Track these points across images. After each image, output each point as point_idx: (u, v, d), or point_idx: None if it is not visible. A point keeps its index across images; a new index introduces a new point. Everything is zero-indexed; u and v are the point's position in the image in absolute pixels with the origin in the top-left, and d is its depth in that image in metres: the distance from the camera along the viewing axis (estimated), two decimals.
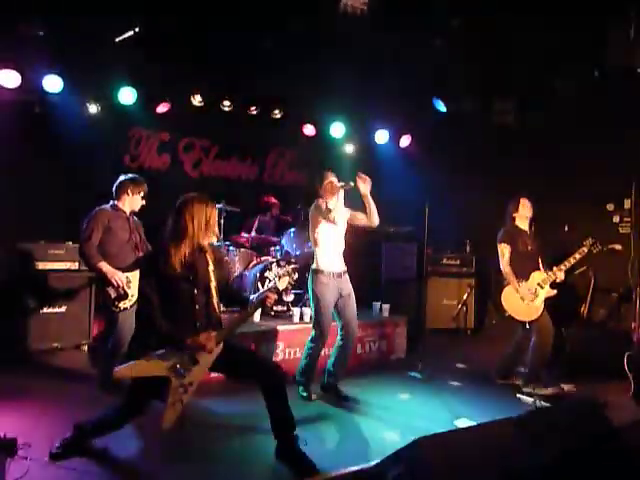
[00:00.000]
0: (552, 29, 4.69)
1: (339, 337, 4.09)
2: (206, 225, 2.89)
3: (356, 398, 4.05)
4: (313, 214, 4.06)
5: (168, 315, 2.78)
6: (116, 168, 5.32)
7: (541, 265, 4.53)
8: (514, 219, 4.60)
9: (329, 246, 4.01)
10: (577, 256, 4.35)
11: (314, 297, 3.98)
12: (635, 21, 3.82)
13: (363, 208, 4.00)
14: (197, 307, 2.87)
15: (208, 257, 2.94)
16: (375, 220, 4.01)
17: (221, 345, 2.88)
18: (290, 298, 5.37)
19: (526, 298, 4.34)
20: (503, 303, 4.42)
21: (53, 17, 4.79)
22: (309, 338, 4.09)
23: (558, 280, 4.40)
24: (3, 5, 4.44)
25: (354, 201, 4.11)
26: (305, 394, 4.05)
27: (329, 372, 4.10)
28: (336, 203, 3.96)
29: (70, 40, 4.98)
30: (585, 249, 4.35)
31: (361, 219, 4.07)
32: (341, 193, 3.97)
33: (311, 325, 4.09)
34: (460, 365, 5.27)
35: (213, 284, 2.93)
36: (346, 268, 4.10)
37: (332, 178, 4.01)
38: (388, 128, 7.18)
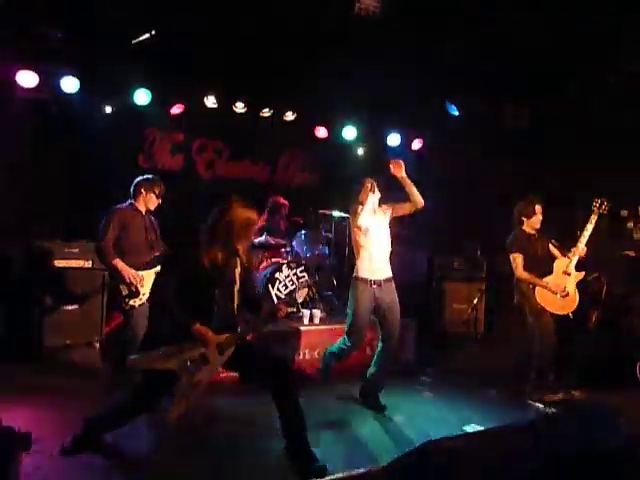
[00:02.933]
0: (567, 31, 4.68)
1: (379, 347, 4.02)
2: (244, 229, 2.93)
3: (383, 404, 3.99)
4: (351, 221, 4.07)
5: (189, 310, 2.80)
6: (130, 168, 5.40)
7: (558, 253, 4.43)
8: (523, 223, 4.50)
9: (366, 253, 3.93)
10: (589, 226, 4.22)
11: (350, 303, 3.97)
12: None
13: (404, 195, 3.96)
14: (216, 308, 2.90)
15: (238, 260, 2.98)
16: (419, 200, 3.96)
17: (233, 347, 2.90)
18: (300, 300, 5.39)
19: (558, 291, 4.27)
20: (542, 305, 4.29)
21: (71, 19, 4.86)
22: (344, 337, 4.02)
23: (582, 255, 4.27)
24: (23, 8, 4.53)
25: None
26: (323, 374, 4.14)
27: (368, 380, 4.04)
28: (368, 208, 3.88)
29: (87, 42, 5.07)
30: (594, 216, 4.21)
31: (405, 206, 4.01)
32: (372, 198, 3.92)
33: (345, 327, 4.02)
34: (469, 369, 5.25)
35: (237, 287, 2.97)
36: (391, 275, 4.00)
37: (368, 183, 3.95)
38: (400, 131, 7.18)
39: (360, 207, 3.90)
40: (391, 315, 3.94)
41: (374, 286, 3.88)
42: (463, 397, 4.38)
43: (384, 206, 4.05)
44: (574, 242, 4.28)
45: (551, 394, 4.25)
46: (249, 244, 3.08)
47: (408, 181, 3.93)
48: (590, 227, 4.22)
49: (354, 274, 3.98)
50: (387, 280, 3.95)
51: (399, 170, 3.91)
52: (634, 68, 4.07)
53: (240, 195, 5.78)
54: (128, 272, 3.79)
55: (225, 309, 2.93)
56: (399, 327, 4.01)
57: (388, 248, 4.01)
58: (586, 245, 4.25)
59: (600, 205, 4.21)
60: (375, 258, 3.93)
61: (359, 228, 3.90)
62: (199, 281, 2.85)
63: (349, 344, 3.99)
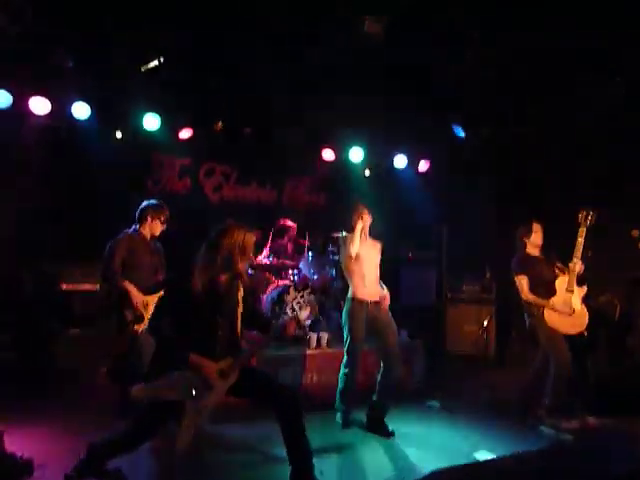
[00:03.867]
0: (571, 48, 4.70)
1: (380, 369, 4.04)
2: (242, 251, 2.92)
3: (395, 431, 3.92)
4: (341, 248, 4.18)
5: (189, 337, 2.79)
6: (139, 192, 5.45)
7: (560, 272, 4.36)
8: (525, 244, 4.47)
9: (359, 277, 4.03)
10: (580, 239, 4.16)
11: (346, 324, 4.03)
12: None
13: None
14: (220, 332, 2.88)
15: (240, 283, 2.97)
16: None
17: (237, 372, 2.88)
18: (308, 322, 5.35)
19: (565, 310, 4.20)
20: (552, 326, 4.22)
21: (82, 49, 4.99)
22: (342, 363, 4.09)
23: (580, 271, 4.22)
24: (36, 38, 4.66)
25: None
26: (341, 421, 4.05)
27: (372, 404, 4.03)
28: (355, 235, 3.96)
29: (98, 70, 5.18)
30: (583, 228, 4.15)
31: None
32: (360, 226, 3.98)
33: (344, 350, 4.08)
34: (480, 394, 5.14)
35: (239, 310, 2.96)
36: (385, 294, 4.06)
37: (359, 209, 4.05)
38: (406, 153, 7.21)
39: (351, 235, 4.01)
40: (389, 333, 3.97)
41: (370, 306, 3.97)
42: (473, 422, 4.28)
43: (377, 242, 4.18)
44: (570, 258, 4.24)
45: (566, 420, 4.14)
46: (249, 264, 3.07)
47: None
48: (581, 240, 4.17)
49: (349, 295, 4.05)
50: (382, 299, 4.04)
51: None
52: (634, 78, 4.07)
53: (246, 218, 5.84)
54: (136, 295, 3.80)
55: (230, 332, 2.92)
56: (399, 348, 4.02)
57: (377, 271, 4.11)
58: (581, 259, 4.20)
59: (586, 217, 4.17)
60: (368, 280, 4.03)
61: (350, 257, 3.97)
62: (201, 308, 2.84)
63: (348, 369, 4.01)
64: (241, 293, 2.95)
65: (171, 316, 2.81)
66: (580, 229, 4.17)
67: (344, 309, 4.08)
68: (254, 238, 3.01)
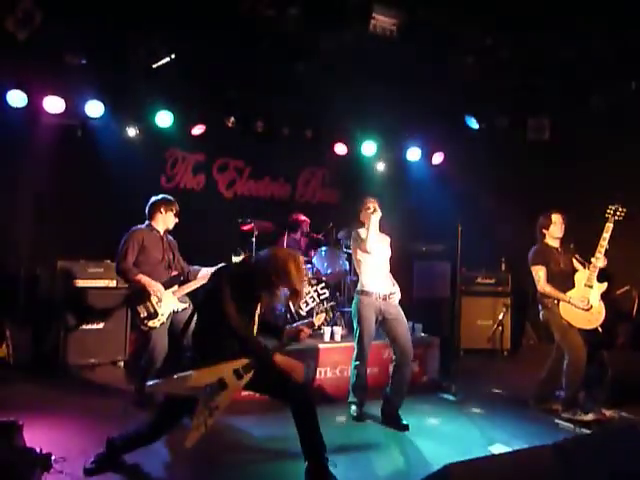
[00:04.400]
0: (587, 44, 4.62)
1: (393, 362, 4.07)
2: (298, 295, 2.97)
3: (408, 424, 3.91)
4: (352, 244, 4.20)
5: (212, 334, 2.84)
6: (153, 188, 5.49)
7: (581, 267, 4.30)
8: (544, 236, 4.40)
9: (370, 270, 4.07)
10: (606, 235, 4.06)
11: (356, 316, 4.07)
12: None
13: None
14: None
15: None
16: None
17: (251, 373, 2.90)
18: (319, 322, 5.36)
19: (582, 305, 4.14)
20: (568, 320, 4.16)
21: (95, 47, 5.03)
22: (353, 356, 4.13)
23: (602, 266, 4.13)
24: (51, 38, 4.71)
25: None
26: (355, 414, 4.06)
27: (385, 398, 4.06)
28: (370, 230, 3.96)
29: (111, 68, 5.22)
30: (610, 224, 4.06)
31: None
32: (373, 218, 3.98)
33: (354, 343, 4.13)
34: (495, 388, 5.11)
35: (258, 312, 3.00)
36: (394, 290, 4.10)
37: (369, 204, 4.04)
38: (420, 145, 7.16)
39: (364, 230, 4.03)
40: (399, 326, 4.00)
41: (379, 299, 3.99)
42: (489, 416, 4.26)
43: (386, 236, 4.21)
44: (593, 253, 4.16)
45: (582, 414, 4.11)
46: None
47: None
48: (607, 235, 4.07)
49: (358, 288, 4.10)
50: (391, 294, 4.07)
51: None
52: None
53: (259, 212, 5.82)
54: (152, 285, 3.84)
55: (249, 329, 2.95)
56: (410, 342, 4.03)
57: (387, 265, 4.14)
58: (605, 255, 4.12)
59: (615, 211, 4.07)
60: (378, 274, 4.06)
61: (366, 251, 3.98)
62: (228, 303, 2.85)
63: (358, 362, 4.06)
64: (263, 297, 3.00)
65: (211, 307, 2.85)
66: (607, 224, 4.08)
67: (353, 302, 4.12)
68: (297, 270, 2.94)
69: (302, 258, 3.05)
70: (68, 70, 5.22)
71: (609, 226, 4.08)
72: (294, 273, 2.88)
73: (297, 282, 2.91)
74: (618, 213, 4.07)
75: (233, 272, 3.01)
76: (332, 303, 5.55)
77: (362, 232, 4.09)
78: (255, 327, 2.99)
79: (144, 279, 3.85)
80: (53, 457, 2.63)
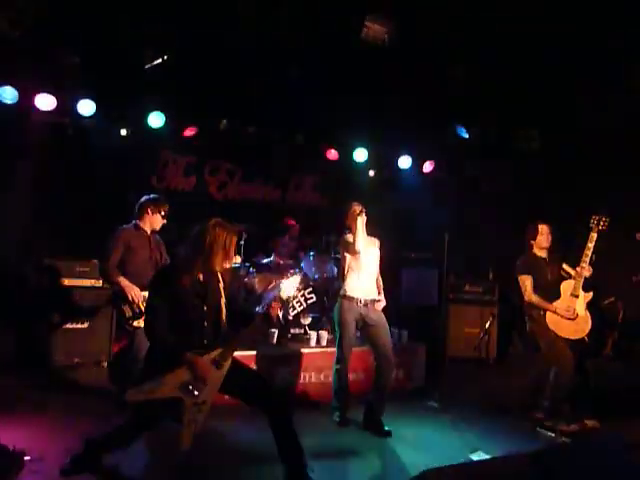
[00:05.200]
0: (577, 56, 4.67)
1: (375, 369, 4.08)
2: (223, 252, 2.92)
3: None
4: (340, 249, 4.24)
5: (177, 331, 2.82)
6: (143, 189, 5.47)
7: (570, 273, 4.30)
8: (532, 246, 4.46)
9: (356, 275, 4.09)
10: (590, 245, 4.09)
11: (337, 320, 4.10)
12: None
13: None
14: (206, 324, 2.91)
15: (219, 275, 3.00)
16: None
17: (229, 362, 2.89)
18: (307, 321, 5.36)
19: (568, 315, 4.17)
20: (555, 330, 4.19)
21: (88, 46, 5.02)
22: (334, 360, 4.15)
23: (587, 275, 4.16)
24: (44, 35, 4.71)
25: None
26: (338, 419, 4.06)
27: (368, 403, 4.07)
28: (358, 230, 3.99)
29: (104, 67, 5.21)
30: (594, 233, 4.09)
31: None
32: (360, 222, 4.00)
33: (336, 346, 4.15)
34: (480, 395, 5.12)
35: (223, 300, 2.99)
36: (378, 298, 4.12)
37: (355, 207, 4.08)
38: (411, 153, 7.20)
39: (350, 234, 4.05)
40: (380, 332, 4.01)
41: (360, 305, 4.01)
42: (472, 424, 4.26)
43: (374, 239, 4.23)
44: (578, 262, 4.19)
45: (564, 424, 4.12)
46: (229, 264, 3.06)
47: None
48: (591, 245, 4.10)
49: (341, 293, 4.12)
50: (373, 301, 4.08)
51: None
52: None
53: (250, 216, 5.83)
54: (131, 289, 3.81)
55: (215, 324, 2.94)
56: (391, 348, 4.05)
57: (376, 270, 4.16)
58: (590, 264, 4.15)
59: (598, 222, 4.10)
60: (363, 280, 4.08)
61: (354, 254, 3.99)
62: (186, 301, 2.87)
63: (340, 365, 4.06)
64: (222, 284, 2.99)
65: (162, 312, 2.83)
66: (591, 234, 4.11)
67: (335, 306, 4.14)
68: (235, 238, 3.00)
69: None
70: (61, 68, 5.21)
71: (593, 236, 4.11)
72: (219, 234, 2.87)
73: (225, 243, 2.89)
74: (602, 223, 4.10)
75: (172, 267, 2.97)
76: (324, 300, 5.56)
77: (349, 236, 4.11)
78: (224, 316, 2.97)
79: (123, 282, 3.82)
80: (28, 457, 2.60)
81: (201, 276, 2.93)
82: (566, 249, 4.54)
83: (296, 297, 5.44)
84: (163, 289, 2.86)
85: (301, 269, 5.89)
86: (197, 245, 2.90)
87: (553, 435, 3.98)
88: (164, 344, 2.81)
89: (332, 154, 7.07)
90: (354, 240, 3.97)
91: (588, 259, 4.13)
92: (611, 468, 2.30)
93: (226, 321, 2.99)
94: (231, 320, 3.03)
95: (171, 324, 2.82)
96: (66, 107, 5.54)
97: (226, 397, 3.04)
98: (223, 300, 2.97)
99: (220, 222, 2.96)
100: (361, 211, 4.00)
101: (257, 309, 3.19)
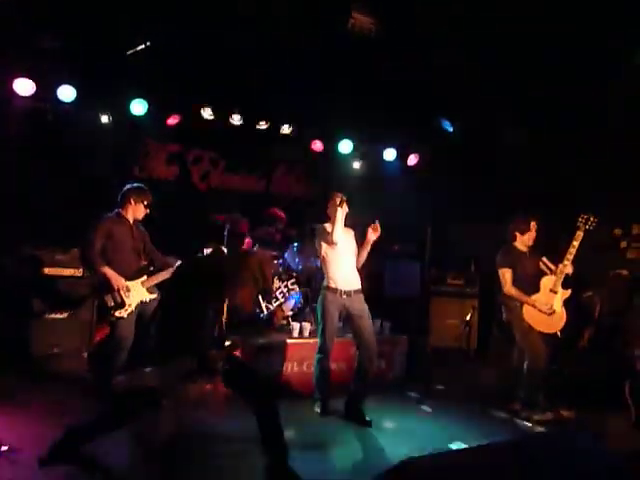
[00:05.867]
0: (564, 49, 4.71)
1: (357, 358, 4.11)
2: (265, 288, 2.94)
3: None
4: (317, 238, 4.20)
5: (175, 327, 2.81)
6: (125, 177, 5.41)
7: (549, 268, 4.37)
8: (515, 238, 4.50)
9: (335, 266, 4.10)
10: (575, 243, 4.16)
11: (320, 311, 4.11)
12: None
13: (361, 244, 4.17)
14: (207, 323, 2.88)
15: None
16: (359, 264, 4.18)
17: (220, 364, 2.88)
18: (290, 312, 5.37)
19: (545, 310, 4.24)
20: (529, 323, 4.26)
21: (69, 30, 4.92)
22: (316, 350, 4.17)
23: (569, 273, 4.23)
24: (23, 19, 4.59)
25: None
26: (319, 409, 4.09)
27: (350, 393, 4.10)
28: (337, 221, 4.00)
29: (85, 52, 5.11)
30: (580, 232, 4.15)
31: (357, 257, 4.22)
32: (339, 212, 4.00)
33: (317, 336, 4.18)
34: (460, 386, 5.19)
35: (226, 303, 2.98)
36: (360, 287, 4.14)
37: (337, 198, 4.08)
38: (396, 146, 7.21)
39: (329, 224, 4.06)
40: (363, 322, 4.03)
41: (343, 296, 4.03)
42: (452, 414, 4.34)
43: (350, 230, 4.25)
44: (560, 259, 4.26)
45: (540, 413, 4.21)
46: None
47: (368, 248, 4.10)
48: (576, 244, 4.16)
49: (324, 284, 4.14)
50: (356, 292, 4.10)
51: (373, 235, 4.08)
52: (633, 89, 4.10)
53: (233, 206, 5.77)
54: (117, 280, 3.78)
55: (215, 325, 2.93)
56: (374, 338, 4.08)
57: (354, 260, 4.16)
58: (572, 262, 4.22)
59: (586, 221, 4.16)
60: (344, 270, 4.10)
61: (331, 244, 4.01)
62: (196, 298, 2.85)
63: (321, 355, 4.09)
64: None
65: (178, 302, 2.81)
66: (578, 232, 4.17)
67: (319, 297, 4.15)
68: (271, 270, 3.00)
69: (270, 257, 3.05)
70: (41, 53, 5.09)
71: (579, 234, 4.16)
72: (268, 275, 2.91)
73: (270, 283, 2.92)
74: (590, 222, 4.16)
75: (197, 266, 2.96)
76: (307, 291, 5.58)
77: (328, 226, 4.12)
78: (224, 319, 2.97)
79: (109, 272, 3.78)
80: (6, 447, 2.58)
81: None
82: (547, 245, 4.60)
83: (279, 288, 5.44)
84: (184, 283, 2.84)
85: (284, 260, 5.88)
86: (230, 269, 2.87)
87: (529, 425, 4.06)
88: (190, 340, 2.78)
89: (317, 145, 7.05)
90: (332, 230, 3.97)
91: (572, 257, 4.19)
92: (580, 455, 2.36)
93: (226, 324, 2.99)
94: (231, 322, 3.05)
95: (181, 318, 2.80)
96: (46, 93, 5.42)
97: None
98: (227, 302, 2.97)
99: (260, 256, 2.96)
100: (342, 201, 3.99)
101: (261, 315, 3.22)
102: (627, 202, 5.37)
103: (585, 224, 4.16)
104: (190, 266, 3.02)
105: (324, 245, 4.10)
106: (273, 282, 3.23)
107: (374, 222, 4.09)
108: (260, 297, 5.23)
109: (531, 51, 4.87)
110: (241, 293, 2.90)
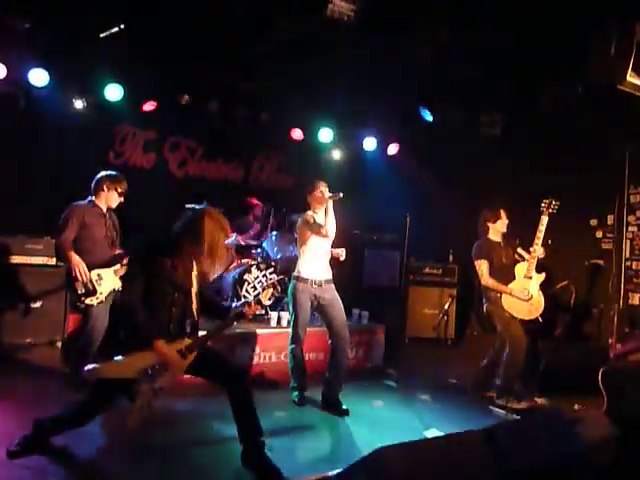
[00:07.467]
0: (537, 45, 4.72)
1: (330, 348, 4.10)
2: (212, 252, 2.82)
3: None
4: (301, 227, 4.12)
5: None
6: (100, 164, 5.29)
7: (519, 258, 4.43)
8: (488, 229, 4.55)
9: (313, 256, 4.08)
10: (541, 227, 4.24)
11: (291, 301, 4.10)
12: (616, 39, 3.86)
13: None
14: (174, 310, 2.84)
15: (195, 265, 2.92)
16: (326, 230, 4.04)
17: (194, 353, 2.85)
18: (268, 302, 5.33)
19: (523, 296, 4.29)
20: (510, 312, 4.31)
21: (39, 11, 4.75)
22: (289, 340, 4.15)
23: (540, 256, 4.30)
24: None
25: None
26: (296, 399, 4.08)
27: (325, 383, 4.09)
28: (325, 214, 3.96)
29: (56, 34, 4.95)
30: (545, 216, 4.23)
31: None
32: (330, 203, 3.97)
33: (289, 328, 4.17)
34: (437, 375, 5.23)
35: (194, 289, 2.92)
36: (331, 277, 4.14)
37: (322, 188, 4.05)
38: (376, 135, 7.19)
39: (316, 215, 4.05)
40: (334, 311, 4.04)
41: (314, 286, 4.02)
42: (429, 402, 4.38)
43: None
44: (531, 245, 4.32)
45: (515, 401, 4.27)
46: (221, 268, 3.01)
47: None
48: (542, 228, 4.25)
49: (294, 274, 4.11)
50: (327, 281, 4.10)
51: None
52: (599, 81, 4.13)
53: (211, 194, 5.72)
54: (78, 264, 3.67)
55: (184, 312, 2.88)
56: (346, 326, 4.09)
57: (329, 250, 4.16)
58: (543, 245, 4.29)
59: (549, 205, 4.24)
60: (318, 260, 4.08)
61: (324, 235, 3.96)
62: (162, 284, 2.80)
63: (294, 345, 4.08)
64: (195, 272, 2.91)
65: (138, 290, 2.75)
66: (542, 217, 4.25)
67: (289, 287, 4.13)
68: (225, 235, 2.91)
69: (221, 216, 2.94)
70: (9, 34, 4.91)
71: (544, 219, 4.25)
72: (208, 229, 2.80)
73: (212, 240, 2.81)
74: (552, 206, 4.24)
75: (152, 252, 2.88)
76: (280, 277, 5.53)
77: (316, 216, 4.07)
78: (194, 306, 2.92)
79: (73, 258, 3.69)
80: None
81: (180, 264, 2.84)
82: (520, 233, 4.65)
83: (257, 277, 5.41)
84: (146, 266, 2.77)
85: (263, 249, 5.84)
86: (189, 233, 2.81)
87: (504, 412, 4.11)
88: (135, 318, 2.73)
89: (297, 134, 7.00)
90: (325, 223, 3.93)
91: (540, 241, 4.27)
92: (555, 442, 2.40)
93: (197, 311, 2.93)
94: (202, 311, 2.99)
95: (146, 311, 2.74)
96: (17, 77, 5.25)
97: (186, 376, 3.02)
98: (194, 289, 2.91)
99: (214, 213, 2.86)
100: (331, 196, 3.95)
101: (233, 305, 3.17)
102: (603, 193, 5.44)
103: (548, 208, 4.24)
104: (144, 246, 2.97)
105: (310, 234, 4.04)
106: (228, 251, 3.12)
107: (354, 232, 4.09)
108: (238, 286, 5.21)
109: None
110: (195, 257, 2.82)
